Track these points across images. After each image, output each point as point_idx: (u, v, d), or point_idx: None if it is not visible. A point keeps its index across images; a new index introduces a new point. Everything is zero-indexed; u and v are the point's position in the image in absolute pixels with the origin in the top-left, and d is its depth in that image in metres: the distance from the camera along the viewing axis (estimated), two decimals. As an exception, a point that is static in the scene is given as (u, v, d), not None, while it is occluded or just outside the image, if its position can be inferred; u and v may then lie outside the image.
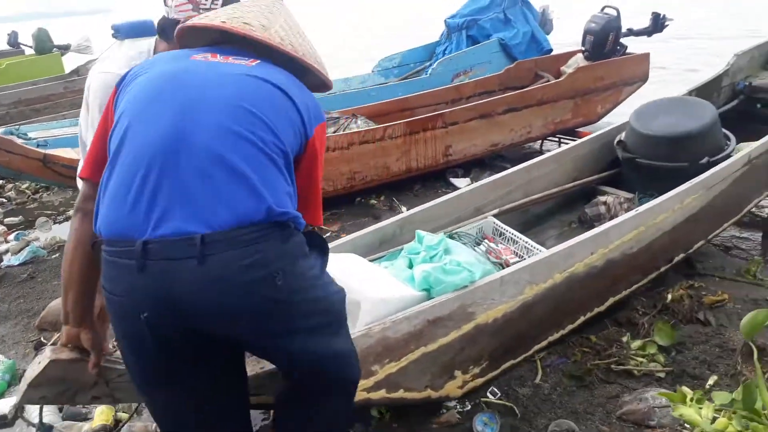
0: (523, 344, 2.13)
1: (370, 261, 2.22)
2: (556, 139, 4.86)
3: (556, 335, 2.23)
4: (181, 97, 1.22)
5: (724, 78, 3.76)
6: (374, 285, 1.87)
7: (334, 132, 3.96)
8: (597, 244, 2.20)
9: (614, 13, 4.85)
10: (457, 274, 1.92)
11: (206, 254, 1.11)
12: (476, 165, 4.54)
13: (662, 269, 2.55)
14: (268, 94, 1.27)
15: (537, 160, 2.95)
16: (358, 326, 1.76)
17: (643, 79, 5.06)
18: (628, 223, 2.28)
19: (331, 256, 2.10)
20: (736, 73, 3.82)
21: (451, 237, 2.51)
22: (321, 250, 1.45)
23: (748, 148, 2.80)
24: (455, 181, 4.35)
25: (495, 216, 2.70)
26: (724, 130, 2.99)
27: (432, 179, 4.40)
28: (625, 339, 2.32)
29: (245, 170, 1.17)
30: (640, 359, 2.22)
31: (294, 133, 1.29)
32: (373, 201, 4.03)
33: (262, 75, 1.29)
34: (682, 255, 2.62)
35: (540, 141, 4.95)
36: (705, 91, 3.66)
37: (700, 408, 1.67)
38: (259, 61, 1.34)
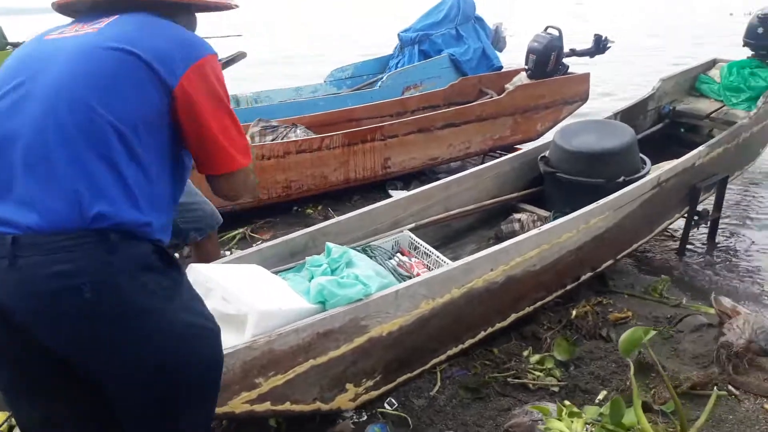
0: (420, 358, 2.17)
1: (277, 272, 2.24)
2: (498, 155, 4.95)
3: (456, 349, 2.28)
4: (13, 90, 1.18)
5: (649, 102, 3.90)
6: (266, 297, 1.88)
7: (272, 140, 3.97)
8: (497, 260, 2.25)
9: (556, 33, 4.98)
10: (352, 287, 1.95)
11: (17, 256, 1.06)
12: (416, 177, 4.60)
13: (569, 287, 2.63)
14: (101, 66, 1.16)
15: (457, 176, 3.02)
16: (245, 339, 1.77)
17: (583, 98, 5.20)
18: (530, 241, 2.35)
19: (232, 267, 2.13)
20: (661, 98, 3.97)
21: (364, 250, 2.55)
22: (167, 271, 1.21)
23: (659, 170, 2.91)
24: (394, 193, 4.39)
25: (412, 230, 2.75)
26: (641, 154, 3.10)
27: (371, 190, 4.43)
28: (525, 353, 2.38)
29: (64, 170, 1.10)
30: (538, 373, 2.28)
31: (145, 95, 1.17)
32: (309, 210, 4.04)
33: (103, 41, 1.19)
34: (589, 274, 2.70)
35: (482, 156, 5.03)
36: (631, 113, 3.80)
37: (572, 422, 1.73)
38: (112, 19, 1.26)
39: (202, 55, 1.25)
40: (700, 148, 3.09)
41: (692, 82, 4.19)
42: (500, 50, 6.58)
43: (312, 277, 2.13)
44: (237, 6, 1.50)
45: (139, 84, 1.17)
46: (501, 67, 6.16)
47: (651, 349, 2.38)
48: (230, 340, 1.79)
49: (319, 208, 4.07)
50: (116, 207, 1.12)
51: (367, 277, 2.03)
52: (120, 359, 1.14)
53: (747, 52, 4.05)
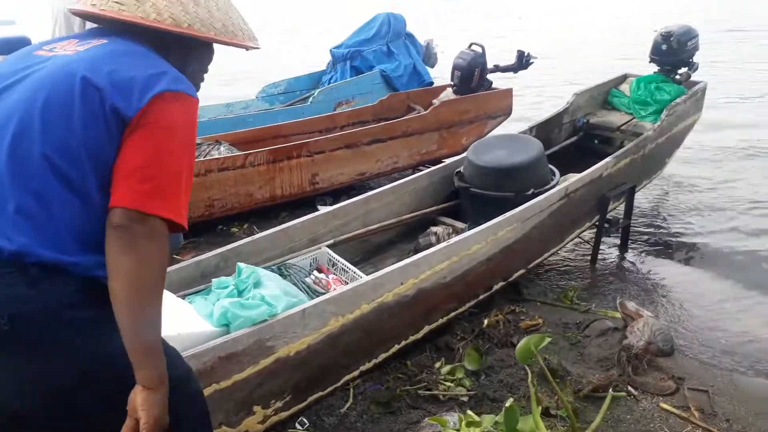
0: (332, 375, 2.18)
1: (184, 296, 2.21)
2: (425, 170, 5.04)
3: (369, 365, 2.30)
4: None
5: (564, 115, 4.08)
6: (166, 322, 1.85)
7: (195, 158, 3.92)
8: (407, 274, 2.30)
9: (479, 50, 5.14)
10: (256, 308, 1.95)
11: None
12: (345, 193, 4.63)
13: (481, 297, 2.71)
14: (57, 93, 1.13)
15: (376, 191, 3.07)
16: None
17: (507, 113, 5.37)
18: (440, 254, 2.41)
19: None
20: (575, 111, 4.15)
21: (279, 269, 2.55)
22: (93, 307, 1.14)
23: (567, 182, 3.04)
24: (323, 208, 4.37)
25: (330, 246, 2.77)
26: (551, 167, 3.24)
27: (300, 206, 4.41)
28: (438, 364, 2.43)
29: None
30: (449, 384, 2.33)
31: (95, 125, 1.11)
32: (234, 229, 4.00)
33: (72, 65, 1.16)
34: (501, 283, 2.79)
35: (411, 171, 5.11)
36: (546, 127, 3.95)
37: (470, 431, 1.78)
38: (100, 43, 1.23)
39: (165, 88, 1.15)
40: (607, 159, 3.25)
41: (605, 96, 4.40)
42: (432, 66, 6.73)
43: (219, 300, 2.11)
44: (251, 47, 1.39)
45: (89, 114, 1.12)
46: (432, 83, 6.29)
47: (559, 355, 2.50)
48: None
49: (245, 226, 4.04)
50: (37, 244, 1.09)
51: (273, 297, 2.03)
52: (41, 390, 1.12)
53: (655, 68, 4.30)
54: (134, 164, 1.11)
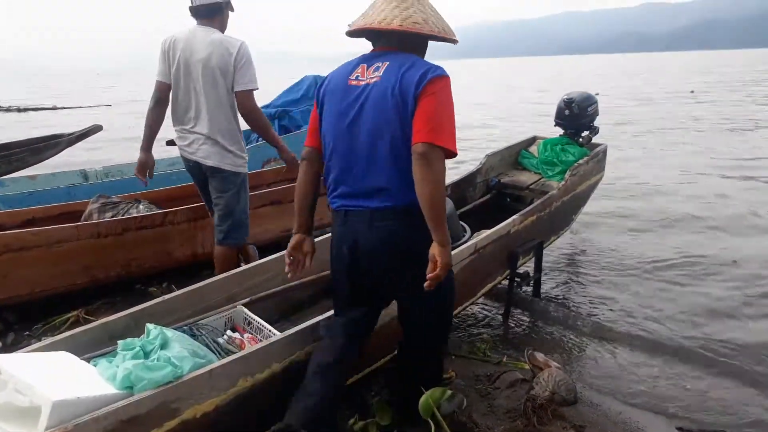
0: (242, 436, 2.16)
1: (89, 359, 2.16)
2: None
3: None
4: (352, 122, 2.05)
5: (477, 175, 4.32)
6: (65, 386, 1.81)
7: (112, 217, 3.86)
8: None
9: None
10: (161, 369, 1.93)
11: (373, 220, 2.04)
12: (275, 249, 4.63)
13: (396, 352, 2.75)
14: (387, 106, 1.96)
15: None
16: (39, 431, 1.69)
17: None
18: (352, 311, 2.46)
19: (34, 356, 2.03)
20: (488, 171, 4.40)
21: (191, 329, 2.53)
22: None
23: (476, 238, 3.20)
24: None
25: (247, 305, 2.77)
26: (462, 223, 3.40)
27: (225, 264, 4.39)
28: (351, 421, 2.44)
29: (387, 173, 2.01)
30: (362, 441, 2.34)
31: (405, 113, 1.93)
32: (153, 288, 3.92)
33: (385, 89, 1.96)
34: (414, 337, 2.85)
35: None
36: (461, 185, 4.16)
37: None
38: (386, 66, 2.01)
39: (432, 75, 1.93)
40: (514, 216, 3.45)
41: (516, 156, 4.70)
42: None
43: (123, 362, 2.07)
44: (455, 40, 2.12)
45: (399, 108, 1.94)
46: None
47: (469, 407, 2.58)
48: (23, 436, 1.71)
49: (164, 285, 3.97)
50: (407, 194, 1.96)
51: (179, 358, 2.01)
52: (407, 280, 2.10)
53: (561, 131, 4.65)
54: (425, 117, 1.88)
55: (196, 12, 3.27)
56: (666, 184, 7.52)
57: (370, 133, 1.99)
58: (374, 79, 2.00)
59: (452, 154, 1.92)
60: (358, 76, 2.06)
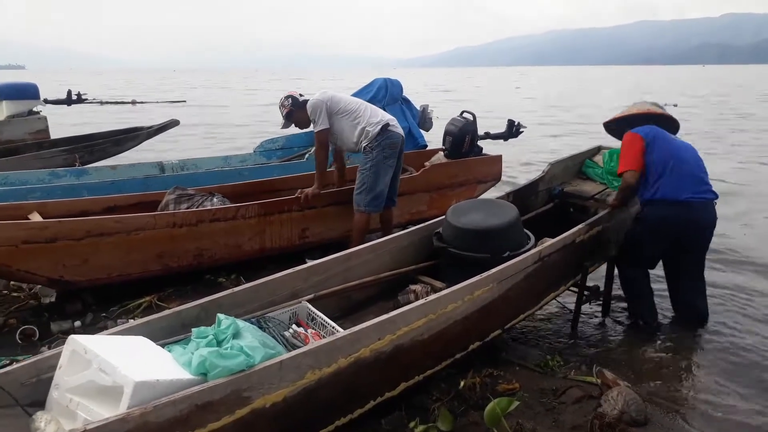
0: (308, 429, 2.19)
1: (164, 345, 2.25)
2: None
3: (345, 420, 2.30)
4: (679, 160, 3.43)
5: (540, 184, 4.22)
6: (145, 369, 1.89)
7: (187, 208, 4.01)
8: (384, 329, 2.34)
9: (471, 117, 5.36)
10: (234, 358, 1.99)
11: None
12: (335, 247, 4.69)
13: (457, 356, 2.73)
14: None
15: (356, 249, 3.15)
16: (120, 410, 1.77)
17: (496, 178, 5.54)
18: (416, 311, 2.45)
19: (115, 339, 2.13)
20: (551, 180, 4.29)
21: (258, 322, 2.60)
22: None
23: (541, 246, 3.13)
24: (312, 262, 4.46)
25: (310, 301, 2.82)
26: (526, 231, 3.33)
27: (289, 260, 4.47)
28: (412, 424, 2.44)
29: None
30: (422, 444, 2.33)
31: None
32: (221, 279, 4.04)
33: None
34: (477, 343, 2.82)
35: (401, 228, 5.20)
36: (522, 193, 4.08)
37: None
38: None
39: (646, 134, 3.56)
40: (580, 225, 3.35)
41: (580, 166, 4.56)
42: (427, 130, 6.98)
43: (198, 349, 2.15)
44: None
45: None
46: (425, 146, 6.51)
47: (534, 420, 2.52)
48: (106, 413, 1.79)
49: (232, 277, 4.09)
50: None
51: (251, 347, 2.06)
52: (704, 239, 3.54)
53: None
54: None
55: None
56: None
57: None
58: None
59: None
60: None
